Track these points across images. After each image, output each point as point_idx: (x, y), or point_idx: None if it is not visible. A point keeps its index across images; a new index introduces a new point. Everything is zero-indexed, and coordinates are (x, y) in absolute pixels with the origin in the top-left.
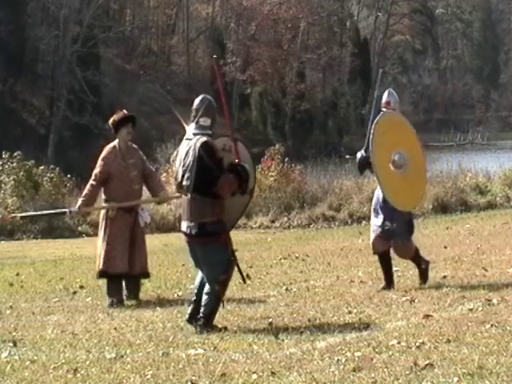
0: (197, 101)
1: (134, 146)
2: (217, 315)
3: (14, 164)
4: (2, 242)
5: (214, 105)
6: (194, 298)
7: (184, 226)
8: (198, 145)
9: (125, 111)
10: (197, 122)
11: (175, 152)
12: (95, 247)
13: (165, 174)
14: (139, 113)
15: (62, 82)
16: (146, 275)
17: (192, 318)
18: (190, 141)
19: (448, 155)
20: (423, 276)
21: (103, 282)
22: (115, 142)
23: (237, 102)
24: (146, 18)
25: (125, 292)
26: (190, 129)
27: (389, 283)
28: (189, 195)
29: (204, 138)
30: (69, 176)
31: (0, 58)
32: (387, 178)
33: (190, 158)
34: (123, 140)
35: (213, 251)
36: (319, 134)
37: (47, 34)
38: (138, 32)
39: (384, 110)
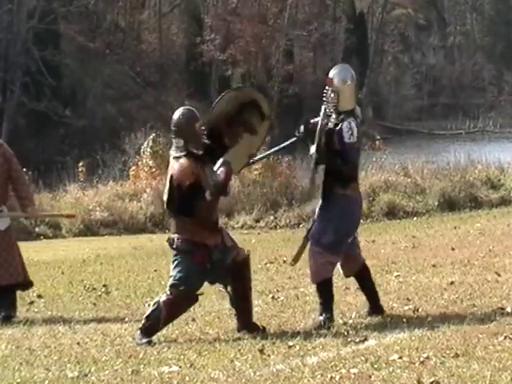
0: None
1: (1, 142)
2: (192, 327)
3: None
4: None
5: (184, 122)
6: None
7: None
8: (171, 170)
9: None
10: (173, 143)
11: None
12: (54, 250)
13: (134, 167)
14: (105, 97)
15: (16, 62)
16: (15, 287)
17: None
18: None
19: (456, 145)
20: None
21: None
22: None
23: (216, 85)
24: None
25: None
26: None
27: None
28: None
29: (176, 165)
30: (24, 169)
31: None
32: None
33: (168, 178)
34: None
35: (174, 266)
36: None
37: None
38: (104, 6)
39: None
